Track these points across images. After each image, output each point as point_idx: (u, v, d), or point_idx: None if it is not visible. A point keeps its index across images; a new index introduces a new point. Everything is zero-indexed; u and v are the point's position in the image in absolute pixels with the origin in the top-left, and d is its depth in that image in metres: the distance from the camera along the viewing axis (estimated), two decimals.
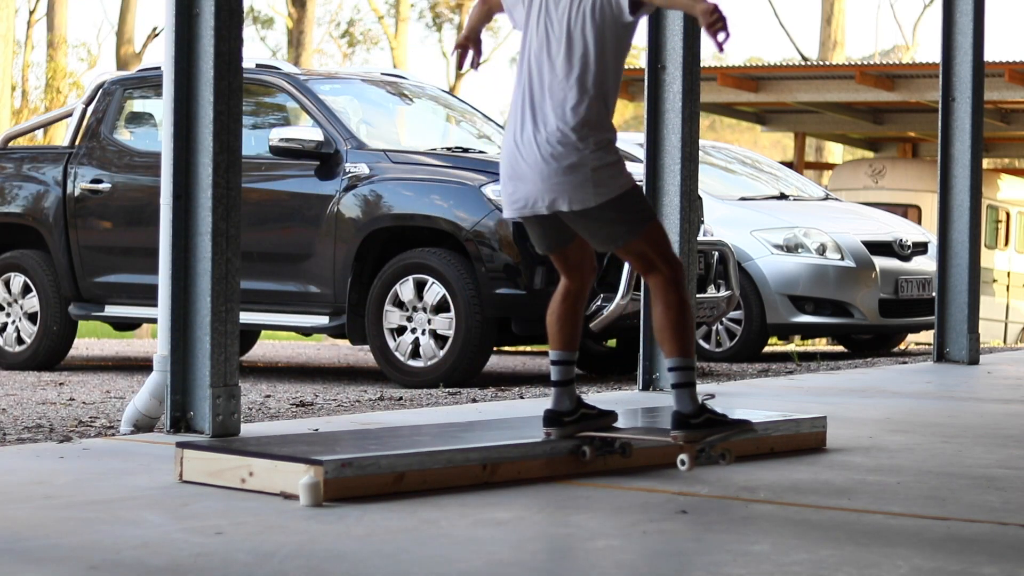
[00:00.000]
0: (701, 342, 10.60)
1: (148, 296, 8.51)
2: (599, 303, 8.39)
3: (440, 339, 8.49)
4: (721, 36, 4.35)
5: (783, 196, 11.78)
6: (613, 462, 4.78)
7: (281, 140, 8.82)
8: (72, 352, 10.95)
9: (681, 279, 4.60)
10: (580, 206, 4.53)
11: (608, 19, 4.55)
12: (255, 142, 9.21)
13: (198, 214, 5.30)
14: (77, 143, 9.98)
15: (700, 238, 8.50)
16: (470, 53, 4.85)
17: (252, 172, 8.91)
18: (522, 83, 4.62)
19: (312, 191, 8.90)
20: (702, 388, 7.53)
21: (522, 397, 7.51)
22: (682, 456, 4.60)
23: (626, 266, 8.37)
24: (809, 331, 11.29)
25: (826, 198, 12.35)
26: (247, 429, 5.57)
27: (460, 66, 4.92)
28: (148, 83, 9.95)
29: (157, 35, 35.04)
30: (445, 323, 8.46)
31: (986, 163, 24.69)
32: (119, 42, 34.66)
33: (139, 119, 10.09)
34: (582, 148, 4.52)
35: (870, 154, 23.97)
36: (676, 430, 4.61)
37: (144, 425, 5.59)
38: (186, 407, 5.31)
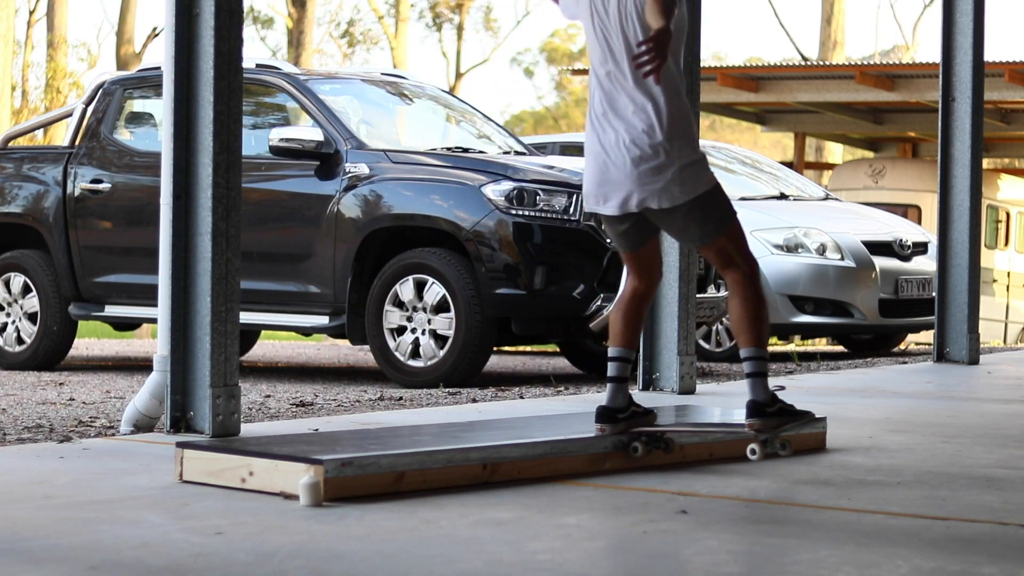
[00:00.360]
0: (701, 342, 10.59)
1: (148, 296, 8.51)
2: (599, 303, 8.39)
3: (440, 339, 8.49)
4: (647, 68, 4.45)
5: (783, 196, 11.78)
6: (615, 462, 4.79)
7: (281, 140, 8.82)
8: (72, 352, 10.95)
9: (757, 275, 4.81)
10: (669, 203, 4.70)
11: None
12: (255, 142, 9.21)
13: (198, 214, 5.30)
14: (77, 143, 9.98)
15: None
16: None
17: (252, 172, 8.91)
18: (596, 89, 4.76)
19: (312, 191, 8.90)
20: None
21: (522, 397, 7.51)
22: (752, 446, 4.79)
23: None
24: (809, 331, 11.28)
25: (826, 198, 12.34)
26: (247, 429, 5.57)
27: None
28: (148, 83, 9.95)
29: (157, 35, 35.03)
30: (445, 323, 8.46)
31: (986, 163, 24.70)
32: (119, 42, 34.66)
33: (139, 119, 10.09)
34: (669, 148, 4.68)
35: (870, 154, 23.98)
36: (752, 418, 4.80)
37: (144, 425, 5.59)
38: (186, 407, 5.31)
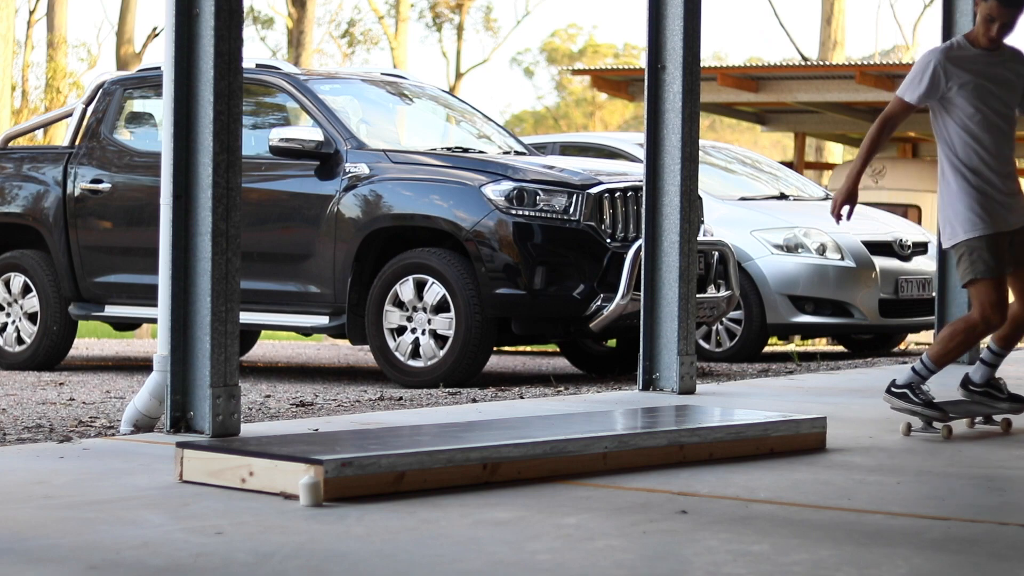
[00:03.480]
0: (701, 342, 10.59)
1: (148, 296, 8.51)
2: (599, 303, 8.39)
3: (440, 339, 8.49)
4: None
5: (783, 196, 11.77)
6: (614, 461, 4.79)
7: (281, 140, 8.82)
8: (72, 352, 10.95)
9: (981, 330, 5.68)
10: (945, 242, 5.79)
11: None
12: (255, 142, 9.21)
13: (198, 214, 5.30)
14: (77, 143, 9.98)
15: (700, 238, 8.50)
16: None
17: (252, 172, 8.91)
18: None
19: (312, 191, 8.90)
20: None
21: (522, 397, 7.51)
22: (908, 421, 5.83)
23: (626, 266, 8.37)
24: (809, 331, 11.28)
25: (826, 198, 12.33)
26: (247, 429, 5.57)
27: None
28: (148, 83, 9.95)
29: (157, 35, 35.04)
30: (445, 323, 8.46)
31: None
32: (119, 42, 34.66)
33: (139, 119, 10.09)
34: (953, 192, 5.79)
35: None
36: (885, 392, 5.84)
37: (144, 425, 5.59)
38: (186, 407, 5.31)
